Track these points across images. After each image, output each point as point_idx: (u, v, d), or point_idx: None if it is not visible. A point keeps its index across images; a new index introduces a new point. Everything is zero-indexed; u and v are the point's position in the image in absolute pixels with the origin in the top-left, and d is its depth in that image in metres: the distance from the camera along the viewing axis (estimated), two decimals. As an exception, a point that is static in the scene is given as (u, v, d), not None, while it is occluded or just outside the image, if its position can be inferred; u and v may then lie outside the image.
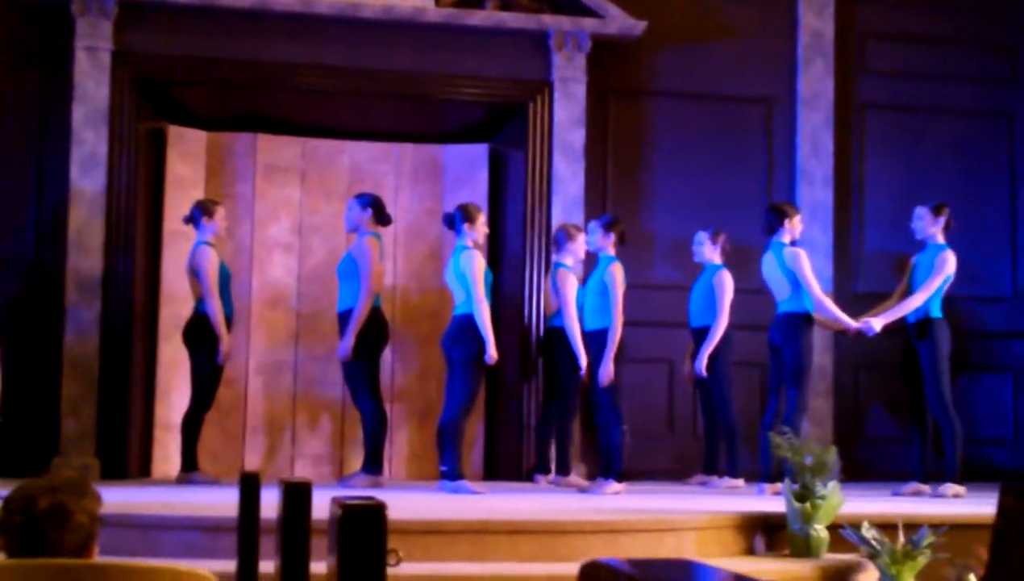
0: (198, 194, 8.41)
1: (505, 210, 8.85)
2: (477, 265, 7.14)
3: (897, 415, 8.64)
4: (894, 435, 8.68)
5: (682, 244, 8.42)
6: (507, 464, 8.46)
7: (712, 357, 7.82)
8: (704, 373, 7.80)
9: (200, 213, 7.73)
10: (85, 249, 7.82)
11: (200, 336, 7.61)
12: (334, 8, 8.15)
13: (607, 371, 7.21)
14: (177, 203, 8.37)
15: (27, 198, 8.02)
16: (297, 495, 2.90)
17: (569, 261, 7.83)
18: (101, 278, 7.83)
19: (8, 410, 6.45)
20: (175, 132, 8.63)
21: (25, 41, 8.03)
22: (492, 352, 7.10)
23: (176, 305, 8.28)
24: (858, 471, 7.82)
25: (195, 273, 7.65)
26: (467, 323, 7.13)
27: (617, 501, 6.60)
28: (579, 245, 7.85)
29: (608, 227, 7.51)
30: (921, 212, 7.69)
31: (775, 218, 7.62)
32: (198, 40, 8.09)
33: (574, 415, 7.92)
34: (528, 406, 8.29)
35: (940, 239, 7.63)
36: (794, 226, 7.63)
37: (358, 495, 2.12)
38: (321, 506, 2.76)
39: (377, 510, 2.04)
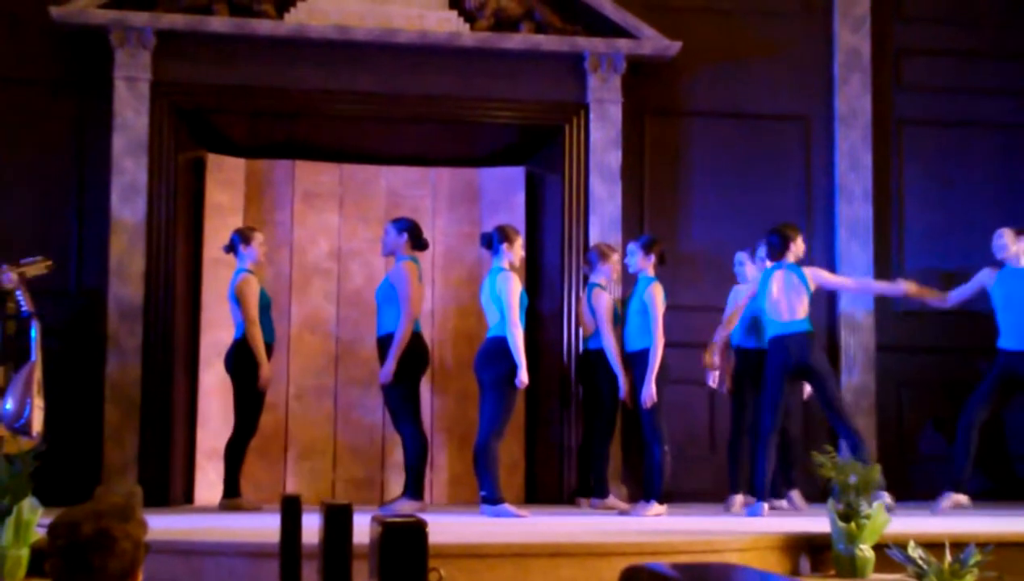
0: (237, 222, 8.47)
1: (543, 232, 8.85)
2: (512, 287, 7.13)
3: (941, 433, 8.56)
4: (938, 453, 8.59)
5: (720, 263, 8.38)
6: (548, 488, 8.43)
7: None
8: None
9: (239, 240, 7.78)
10: (126, 277, 7.88)
11: (242, 363, 7.64)
12: (370, 35, 8.20)
13: (650, 392, 7.18)
14: (216, 231, 8.43)
15: (68, 227, 8.10)
16: (338, 517, 2.89)
17: (602, 281, 7.81)
18: (142, 306, 7.89)
19: (51, 438, 6.48)
20: (214, 160, 8.70)
21: (64, 71, 8.13)
22: (523, 376, 7.06)
23: (216, 332, 8.33)
24: (902, 490, 7.74)
25: (236, 300, 7.69)
26: (499, 345, 7.11)
27: (658, 523, 6.56)
28: (612, 265, 7.83)
29: (648, 247, 7.48)
30: (1003, 231, 7.63)
31: (780, 242, 7.47)
32: (236, 69, 8.16)
33: (610, 437, 7.88)
34: (568, 429, 8.26)
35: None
36: (798, 248, 7.52)
37: (398, 513, 2.11)
38: (363, 531, 2.75)
39: (418, 527, 2.03)
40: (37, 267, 6.65)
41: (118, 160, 7.95)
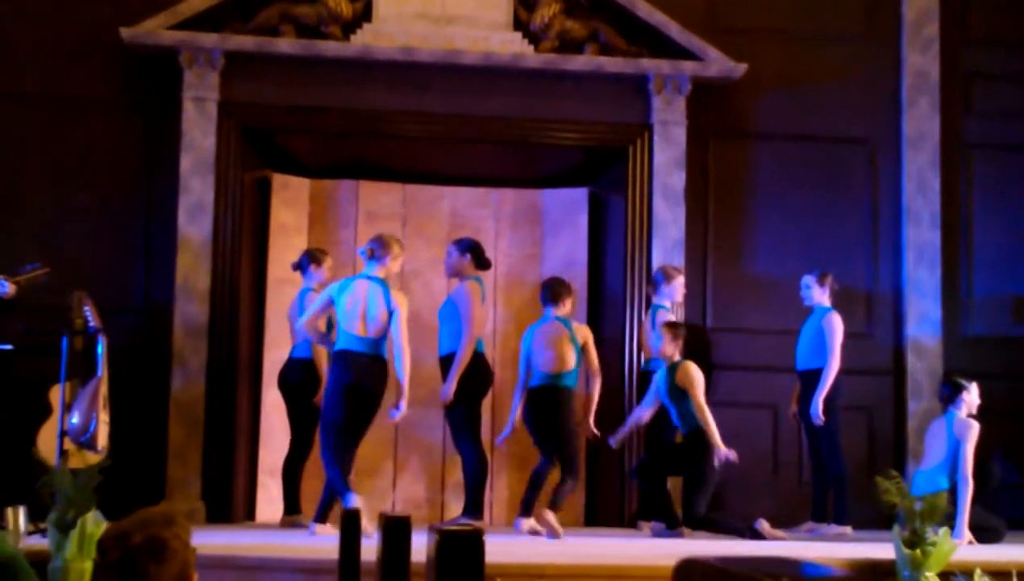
0: (301, 241, 8.52)
1: (605, 254, 8.82)
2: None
3: (1010, 460, 8.39)
4: (1009, 481, 8.42)
5: (784, 287, 8.30)
6: (609, 511, 8.37)
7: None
8: (821, 418, 7.60)
9: (308, 261, 7.81)
10: (191, 295, 7.96)
11: (297, 380, 7.66)
12: (434, 56, 8.24)
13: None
14: (281, 250, 8.49)
15: (135, 245, 8.19)
16: (397, 529, 2.88)
17: (667, 303, 7.77)
18: (207, 324, 7.96)
19: (115, 454, 6.54)
20: (279, 180, 8.77)
21: (133, 92, 8.24)
22: None
23: (280, 351, 8.36)
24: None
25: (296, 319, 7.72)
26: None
27: (720, 545, 6.49)
28: (676, 286, 7.78)
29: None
30: None
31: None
32: (302, 89, 8.23)
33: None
34: (629, 452, 8.19)
35: None
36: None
37: (455, 522, 2.10)
38: (421, 550, 2.73)
39: (475, 536, 2.02)
40: (34, 275, 6.64)
41: (185, 179, 8.04)
